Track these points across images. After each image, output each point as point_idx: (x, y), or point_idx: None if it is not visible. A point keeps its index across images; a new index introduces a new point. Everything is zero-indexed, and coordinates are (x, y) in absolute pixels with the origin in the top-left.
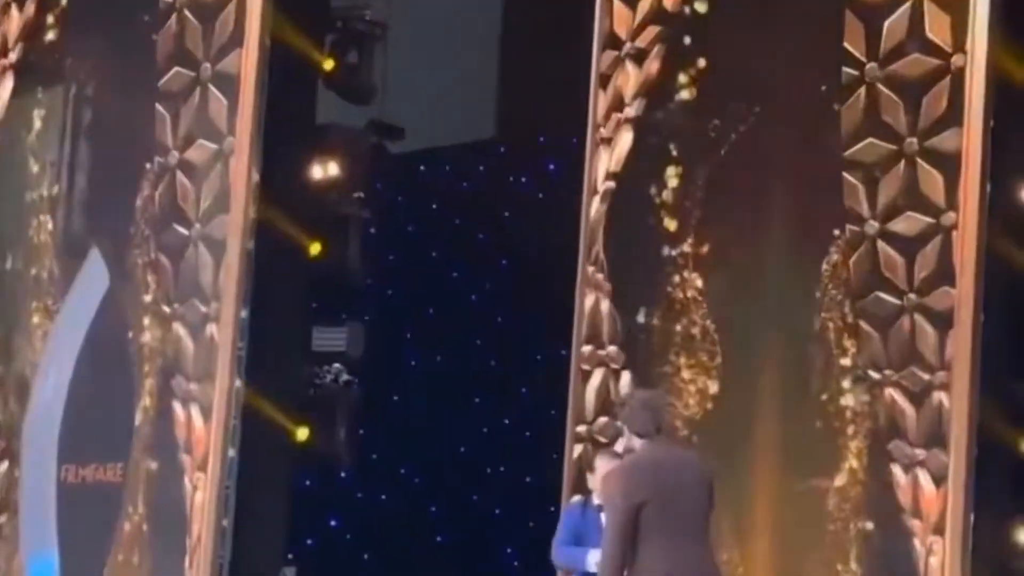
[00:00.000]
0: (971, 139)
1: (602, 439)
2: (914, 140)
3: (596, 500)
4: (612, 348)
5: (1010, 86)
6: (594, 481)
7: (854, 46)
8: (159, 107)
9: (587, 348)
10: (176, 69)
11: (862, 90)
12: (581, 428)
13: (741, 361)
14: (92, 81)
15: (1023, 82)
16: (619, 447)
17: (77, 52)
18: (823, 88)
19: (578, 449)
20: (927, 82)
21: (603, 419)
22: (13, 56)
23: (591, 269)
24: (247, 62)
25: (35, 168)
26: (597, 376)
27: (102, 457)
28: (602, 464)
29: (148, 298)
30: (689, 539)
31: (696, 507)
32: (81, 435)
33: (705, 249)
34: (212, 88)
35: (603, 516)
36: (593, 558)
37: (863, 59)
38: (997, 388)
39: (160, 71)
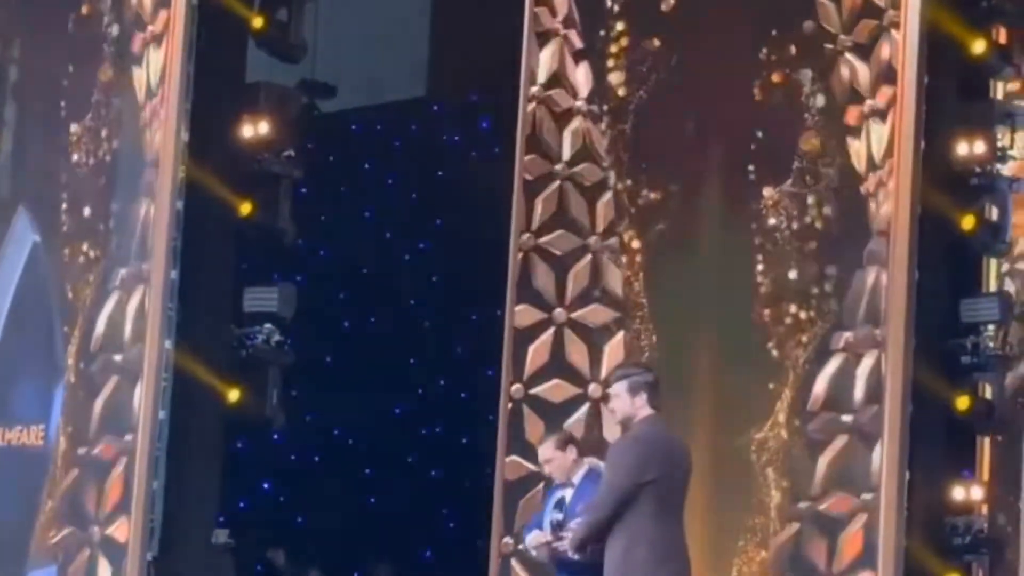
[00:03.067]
0: (905, 94)
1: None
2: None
3: (558, 481)
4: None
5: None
6: (549, 467)
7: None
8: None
9: (521, 307)
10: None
11: None
12: (516, 388)
13: (675, 319)
14: (18, 39)
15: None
16: (617, 407)
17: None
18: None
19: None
20: None
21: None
22: None
23: (524, 229)
24: (175, 20)
25: None
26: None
27: (26, 420)
28: (546, 450)
29: (76, 259)
30: (674, 518)
31: (682, 487)
32: (5, 397)
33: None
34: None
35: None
36: (528, 540)
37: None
38: (931, 345)
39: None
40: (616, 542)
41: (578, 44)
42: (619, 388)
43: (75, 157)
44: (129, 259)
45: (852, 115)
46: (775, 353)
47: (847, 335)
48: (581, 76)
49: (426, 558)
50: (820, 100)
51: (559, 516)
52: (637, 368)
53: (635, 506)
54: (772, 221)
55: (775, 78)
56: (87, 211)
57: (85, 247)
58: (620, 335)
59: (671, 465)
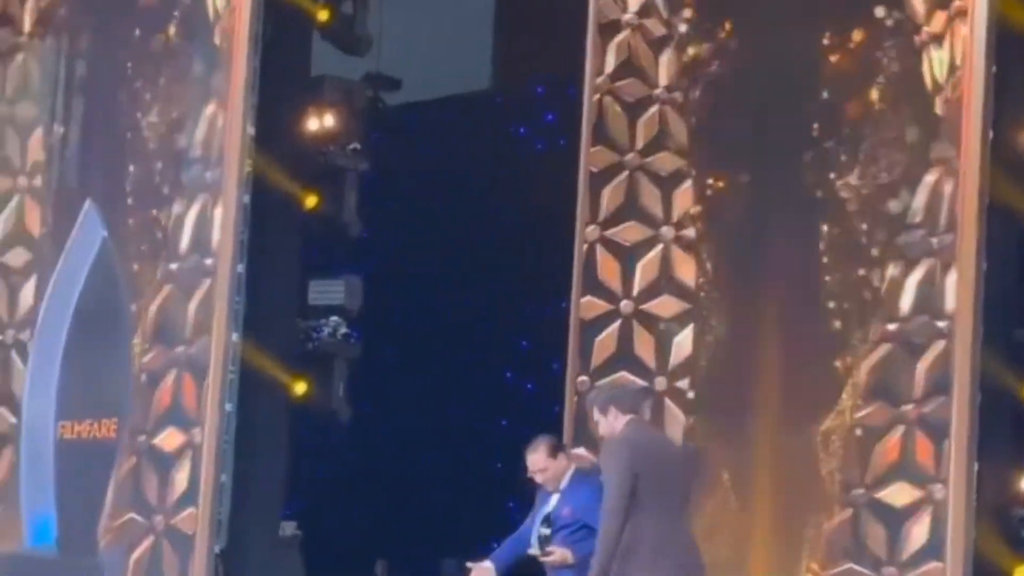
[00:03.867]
0: (973, 85)
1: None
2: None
3: (549, 489)
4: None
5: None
6: (542, 477)
7: None
8: (155, 62)
9: (586, 300)
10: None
11: None
12: (582, 381)
13: (743, 311)
14: (85, 34)
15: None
16: (601, 430)
17: (74, 8)
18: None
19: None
20: None
21: (618, 375)
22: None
23: (590, 221)
24: (241, 14)
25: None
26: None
27: (97, 413)
28: (539, 459)
29: (142, 253)
30: (673, 513)
31: (678, 483)
32: (77, 391)
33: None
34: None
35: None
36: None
37: None
38: (1000, 336)
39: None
40: (625, 543)
41: (652, 33)
42: (594, 414)
43: (140, 151)
44: (194, 253)
45: (921, 104)
46: (842, 344)
47: (913, 325)
48: (654, 65)
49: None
50: (890, 90)
51: (546, 531)
52: (596, 390)
53: (631, 505)
54: (841, 211)
55: (845, 66)
56: (152, 205)
57: (150, 241)
58: (689, 328)
59: (656, 460)
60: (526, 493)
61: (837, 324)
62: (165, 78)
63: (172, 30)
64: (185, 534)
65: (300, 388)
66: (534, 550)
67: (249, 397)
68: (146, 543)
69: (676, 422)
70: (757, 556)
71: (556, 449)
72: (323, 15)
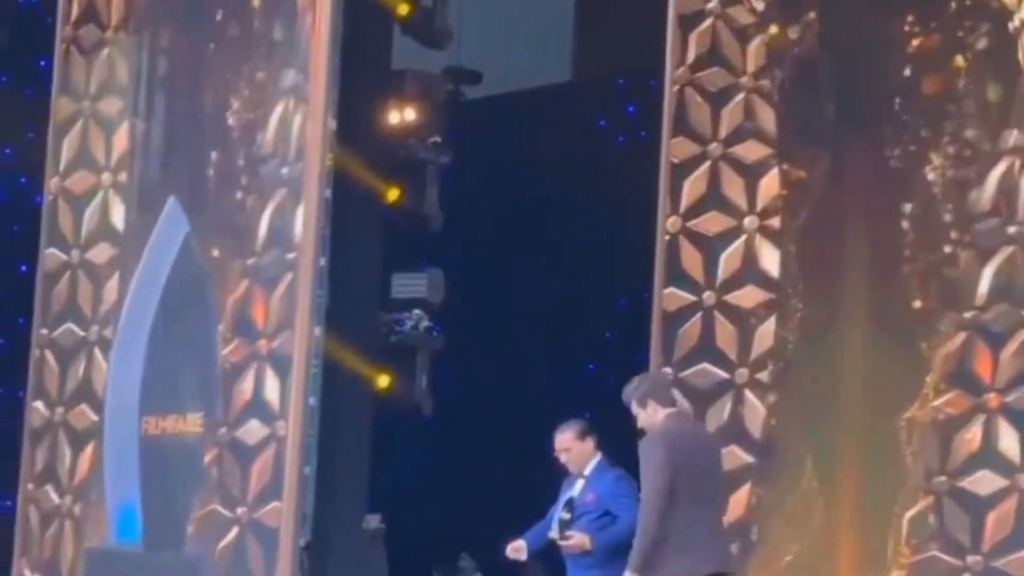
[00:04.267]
0: None
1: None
2: None
3: (572, 471)
4: (708, 293)
5: None
6: (561, 459)
7: None
8: (237, 57)
9: (669, 291)
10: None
11: None
12: (666, 371)
13: (826, 301)
14: (167, 30)
15: None
16: (641, 422)
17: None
18: None
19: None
20: None
21: (700, 366)
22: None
23: (671, 213)
24: (321, 8)
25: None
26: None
27: (182, 408)
28: (565, 439)
29: (226, 246)
30: (704, 504)
31: (711, 476)
32: (162, 386)
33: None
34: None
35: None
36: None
37: None
38: None
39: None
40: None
41: (738, 20)
42: (633, 408)
43: (222, 146)
44: (275, 248)
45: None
46: (925, 330)
47: (995, 314)
48: (740, 52)
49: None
50: (977, 74)
51: (567, 516)
52: (633, 384)
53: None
54: (924, 201)
55: (931, 49)
56: (234, 200)
57: (232, 236)
58: (772, 319)
59: (692, 454)
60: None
61: (920, 310)
62: (247, 73)
63: (254, 25)
64: (269, 528)
65: (383, 381)
66: (553, 533)
67: (332, 391)
68: (230, 535)
69: (757, 414)
70: (844, 545)
71: (584, 433)
72: (403, 9)
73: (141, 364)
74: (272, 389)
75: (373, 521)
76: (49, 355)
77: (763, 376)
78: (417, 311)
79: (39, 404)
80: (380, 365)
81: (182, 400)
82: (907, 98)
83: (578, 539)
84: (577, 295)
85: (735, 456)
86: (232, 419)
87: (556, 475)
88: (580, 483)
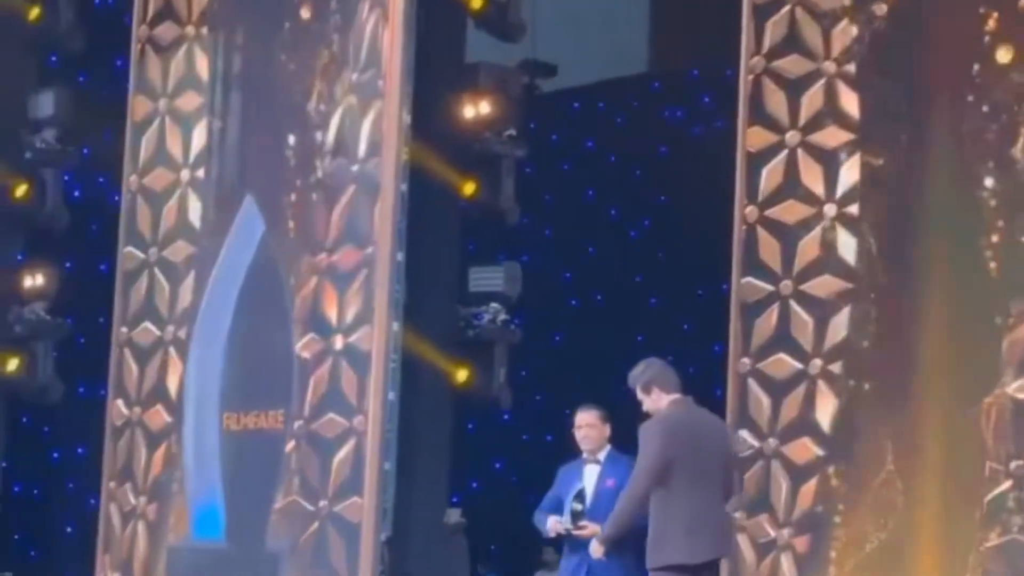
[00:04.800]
0: None
1: (770, 374)
2: None
3: (583, 454)
4: (785, 282)
5: None
6: (580, 434)
7: None
8: (308, 52)
9: (746, 281)
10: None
11: None
12: (743, 363)
13: (905, 291)
14: (241, 28)
15: None
16: (646, 407)
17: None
18: None
19: (746, 383)
20: None
21: (776, 356)
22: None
23: (748, 203)
24: (395, 4)
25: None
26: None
27: (263, 405)
28: (590, 416)
29: (302, 243)
30: (709, 493)
31: (716, 463)
32: (241, 383)
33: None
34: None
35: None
36: (548, 525)
37: None
38: None
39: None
40: (652, 519)
41: (819, 5)
42: (639, 393)
43: (296, 143)
44: (351, 242)
45: None
46: (1004, 318)
47: None
48: (820, 37)
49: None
50: None
51: (579, 507)
52: (639, 369)
53: (666, 483)
54: (1007, 190)
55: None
56: (309, 196)
57: (307, 231)
58: (846, 309)
59: (694, 440)
60: None
61: (1000, 295)
62: (320, 69)
63: (329, 21)
64: (351, 523)
65: (461, 375)
66: (567, 524)
67: (411, 385)
68: (312, 528)
69: (831, 403)
70: (926, 530)
71: (606, 419)
72: (477, 3)
73: (220, 361)
74: (349, 384)
75: (453, 515)
76: (128, 354)
77: (837, 366)
78: (494, 304)
79: (119, 403)
80: (458, 359)
81: (262, 396)
82: (991, 82)
83: (591, 528)
84: (655, 286)
85: (805, 447)
86: (309, 413)
87: None
88: (592, 469)
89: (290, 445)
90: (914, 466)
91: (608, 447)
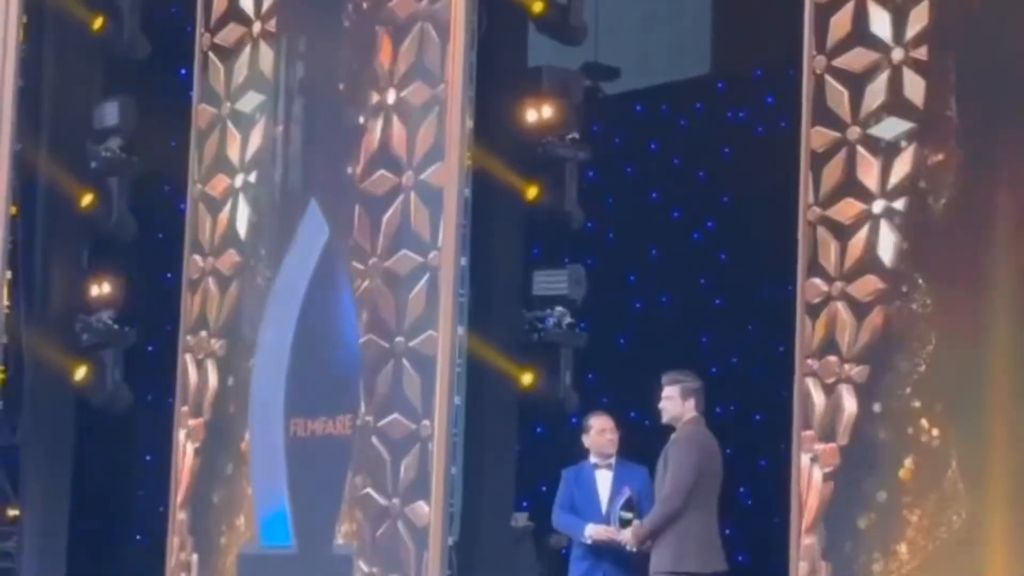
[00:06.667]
0: None
1: (827, 379)
2: None
3: (592, 459)
4: (838, 283)
5: None
6: (589, 440)
7: None
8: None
9: (811, 282)
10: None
11: None
12: (810, 364)
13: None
14: (303, 35)
15: None
16: (670, 409)
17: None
18: None
19: (808, 385)
20: None
21: (831, 357)
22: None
23: (812, 203)
24: (456, 7)
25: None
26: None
27: (330, 410)
28: (608, 421)
29: (366, 248)
30: (710, 510)
31: (717, 483)
32: (307, 390)
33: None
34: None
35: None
36: (589, 531)
37: None
38: None
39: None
40: (668, 533)
41: None
42: (672, 391)
43: (359, 149)
44: (415, 247)
45: None
46: None
47: None
48: (888, 28)
49: (724, 536)
50: None
51: (628, 515)
52: (688, 375)
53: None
54: None
55: None
56: (371, 200)
57: (371, 236)
58: (877, 309)
59: (713, 461)
60: (757, 478)
61: None
62: (382, 73)
63: (389, 24)
64: (418, 528)
65: (527, 379)
66: (622, 535)
67: (476, 390)
68: (383, 526)
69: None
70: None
71: (616, 428)
72: (538, 6)
73: (286, 367)
74: (414, 389)
75: (521, 519)
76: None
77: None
78: (559, 308)
79: (185, 410)
80: (523, 363)
81: (328, 402)
82: None
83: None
84: (719, 288)
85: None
86: (375, 417)
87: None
88: (604, 475)
89: (357, 448)
90: (980, 465)
91: (615, 456)
